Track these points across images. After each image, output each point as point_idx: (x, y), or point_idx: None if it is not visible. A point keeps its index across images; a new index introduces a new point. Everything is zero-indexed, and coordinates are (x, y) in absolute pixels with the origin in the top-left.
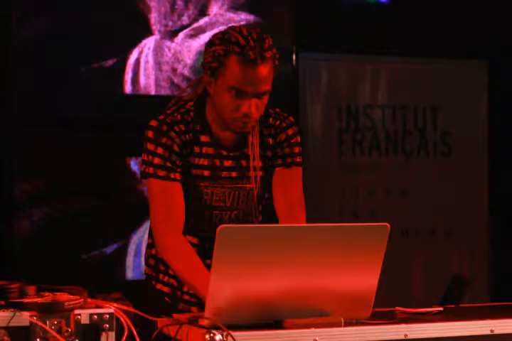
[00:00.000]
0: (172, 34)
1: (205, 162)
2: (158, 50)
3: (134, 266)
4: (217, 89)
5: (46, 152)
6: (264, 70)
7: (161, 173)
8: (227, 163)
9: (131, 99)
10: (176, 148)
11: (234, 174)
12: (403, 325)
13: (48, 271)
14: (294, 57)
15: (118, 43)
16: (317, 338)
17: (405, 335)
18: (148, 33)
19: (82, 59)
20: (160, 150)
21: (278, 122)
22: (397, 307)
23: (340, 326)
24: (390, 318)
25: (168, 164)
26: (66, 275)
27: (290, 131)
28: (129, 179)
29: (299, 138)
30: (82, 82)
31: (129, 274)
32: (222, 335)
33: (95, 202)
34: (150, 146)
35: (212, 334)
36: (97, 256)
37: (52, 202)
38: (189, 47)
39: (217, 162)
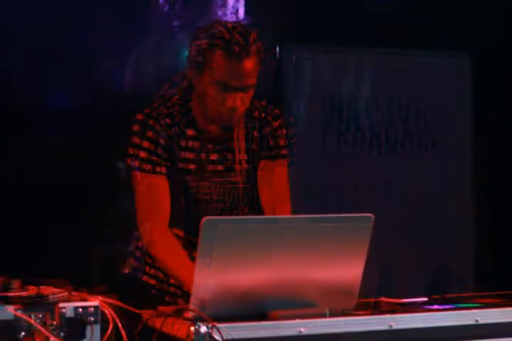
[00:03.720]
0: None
1: (191, 155)
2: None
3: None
4: (203, 83)
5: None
6: (249, 64)
7: (147, 167)
8: (213, 157)
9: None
10: (161, 141)
11: (220, 167)
12: (388, 316)
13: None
14: (277, 49)
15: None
16: (302, 329)
17: (390, 325)
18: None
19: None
20: (146, 144)
21: (263, 115)
22: (381, 298)
23: (325, 317)
24: (375, 309)
25: (154, 158)
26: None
27: (275, 124)
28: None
29: (284, 130)
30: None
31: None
32: (207, 327)
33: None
34: (135, 140)
35: (197, 326)
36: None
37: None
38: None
39: (203, 155)
